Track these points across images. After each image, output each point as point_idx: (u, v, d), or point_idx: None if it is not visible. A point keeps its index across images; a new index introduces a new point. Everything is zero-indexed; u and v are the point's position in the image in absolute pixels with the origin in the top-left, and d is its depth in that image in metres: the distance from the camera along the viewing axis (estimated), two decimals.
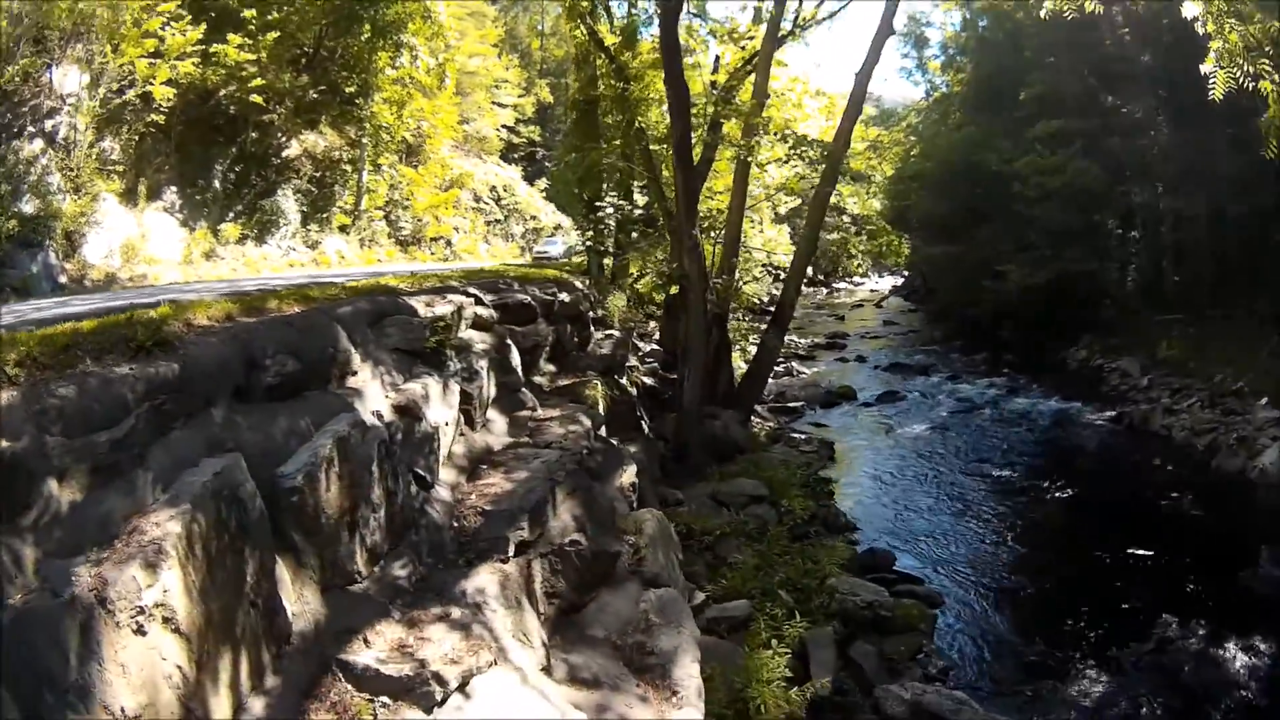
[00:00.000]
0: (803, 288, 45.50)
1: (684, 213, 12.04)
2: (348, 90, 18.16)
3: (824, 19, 15.78)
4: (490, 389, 7.43)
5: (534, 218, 32.60)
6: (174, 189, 13.27)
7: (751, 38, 15.40)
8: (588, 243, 17.04)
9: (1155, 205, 22.51)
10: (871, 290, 48.41)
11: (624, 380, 12.26)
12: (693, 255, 12.05)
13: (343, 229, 18.54)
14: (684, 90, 11.82)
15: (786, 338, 32.06)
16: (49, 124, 10.36)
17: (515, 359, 8.49)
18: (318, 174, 17.96)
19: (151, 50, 11.31)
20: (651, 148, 14.71)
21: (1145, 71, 21.41)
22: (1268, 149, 6.06)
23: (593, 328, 12.50)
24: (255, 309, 5.55)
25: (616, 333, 13.11)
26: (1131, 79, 21.78)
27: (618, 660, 5.38)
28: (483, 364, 7.33)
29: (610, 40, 14.28)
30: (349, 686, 4.06)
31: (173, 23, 11.77)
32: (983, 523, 11.32)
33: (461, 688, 4.29)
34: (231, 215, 14.19)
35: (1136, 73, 21.54)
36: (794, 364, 25.38)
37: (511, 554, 5.45)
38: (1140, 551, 9.95)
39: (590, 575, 5.92)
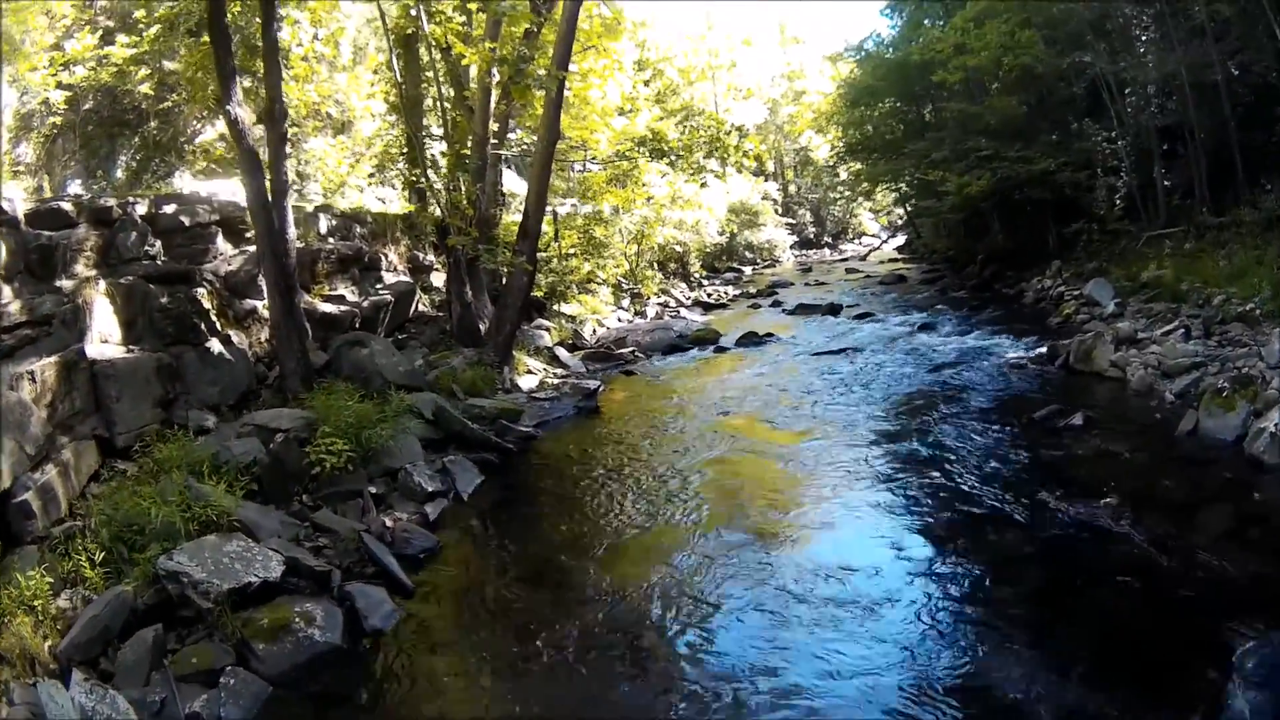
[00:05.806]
0: (805, 252, 38.82)
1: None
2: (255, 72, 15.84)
3: None
4: None
5: None
6: (79, 182, 13.78)
7: None
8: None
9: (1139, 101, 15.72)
10: (876, 248, 40.05)
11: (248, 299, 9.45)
12: (238, 135, 8.36)
13: None
14: None
15: (709, 287, 26.44)
16: None
17: None
18: (229, 155, 16.11)
19: (60, 61, 11.76)
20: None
21: None
22: None
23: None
24: None
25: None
26: None
27: None
28: None
29: None
30: None
31: (75, 34, 12.15)
32: (714, 517, 5.71)
33: None
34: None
35: None
36: (686, 312, 19.69)
37: None
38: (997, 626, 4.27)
39: None
